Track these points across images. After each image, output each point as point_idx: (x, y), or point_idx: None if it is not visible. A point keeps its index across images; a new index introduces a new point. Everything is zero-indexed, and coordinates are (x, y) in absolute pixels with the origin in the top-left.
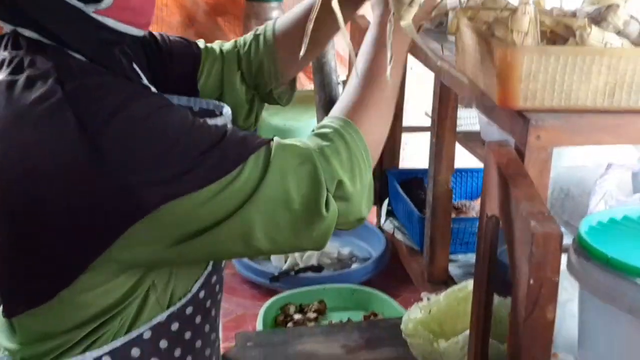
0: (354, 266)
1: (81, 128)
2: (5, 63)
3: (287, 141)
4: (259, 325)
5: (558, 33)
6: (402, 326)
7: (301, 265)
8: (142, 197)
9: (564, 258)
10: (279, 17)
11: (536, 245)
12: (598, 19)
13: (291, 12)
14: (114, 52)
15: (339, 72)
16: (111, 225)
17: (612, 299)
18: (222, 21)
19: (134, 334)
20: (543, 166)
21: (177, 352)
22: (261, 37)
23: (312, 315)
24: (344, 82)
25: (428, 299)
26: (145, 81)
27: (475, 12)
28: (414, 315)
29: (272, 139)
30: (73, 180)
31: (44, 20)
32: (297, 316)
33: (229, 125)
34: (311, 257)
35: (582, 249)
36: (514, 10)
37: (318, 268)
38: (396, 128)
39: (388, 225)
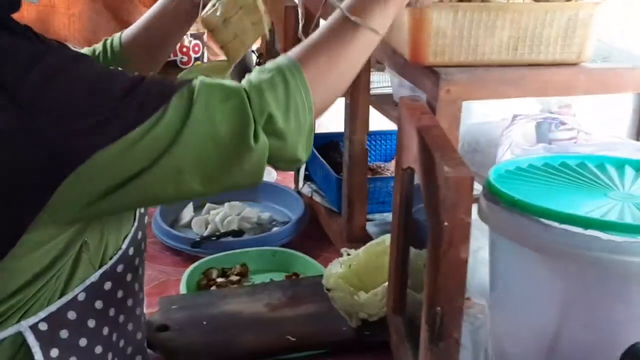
0: (274, 230)
1: None
2: None
3: (214, 79)
4: (182, 290)
5: None
6: (324, 281)
7: (222, 230)
8: (67, 151)
9: (474, 207)
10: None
11: (448, 189)
12: None
13: (139, 20)
14: (11, 15)
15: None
16: (41, 186)
17: (520, 239)
18: None
19: (69, 296)
20: (453, 119)
21: (111, 312)
22: (109, 47)
23: (234, 278)
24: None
25: (348, 254)
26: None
27: None
28: (335, 270)
29: (194, 79)
30: None
31: None
32: (219, 280)
33: None
34: (232, 223)
35: (491, 194)
36: None
37: (239, 233)
38: None
39: (306, 189)
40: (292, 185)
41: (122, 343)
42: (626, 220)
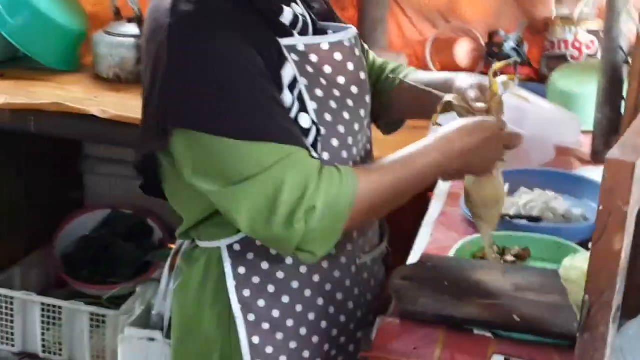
0: (571, 225)
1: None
2: None
3: (307, 159)
4: (451, 254)
5: None
6: (561, 270)
7: (522, 212)
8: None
9: None
10: (411, 71)
11: (607, 171)
12: None
13: (418, 79)
14: None
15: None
16: None
17: None
18: None
19: None
20: None
21: None
22: (388, 77)
23: (510, 258)
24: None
25: None
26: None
27: None
28: (578, 264)
29: (303, 147)
30: None
31: None
32: (494, 256)
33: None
34: (534, 209)
35: None
36: None
37: (536, 219)
38: None
39: None
40: None
41: (303, 269)
42: None
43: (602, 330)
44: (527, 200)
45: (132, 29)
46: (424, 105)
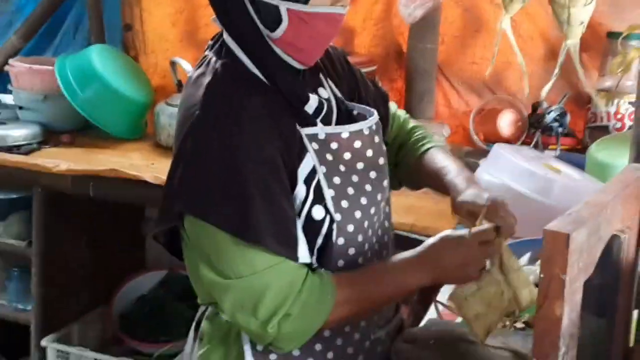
0: None
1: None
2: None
3: (295, 269)
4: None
5: None
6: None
7: None
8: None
9: None
10: (431, 148)
11: (546, 241)
12: None
13: (433, 164)
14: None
15: None
16: None
17: None
18: (585, 57)
19: None
20: None
21: None
22: (408, 149)
23: (520, 325)
24: None
25: None
26: (316, 100)
27: None
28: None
29: (294, 257)
30: None
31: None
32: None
33: (368, 130)
34: None
35: None
36: None
37: None
38: None
39: None
40: None
41: (318, 347)
42: None
43: None
44: None
45: None
46: (437, 185)
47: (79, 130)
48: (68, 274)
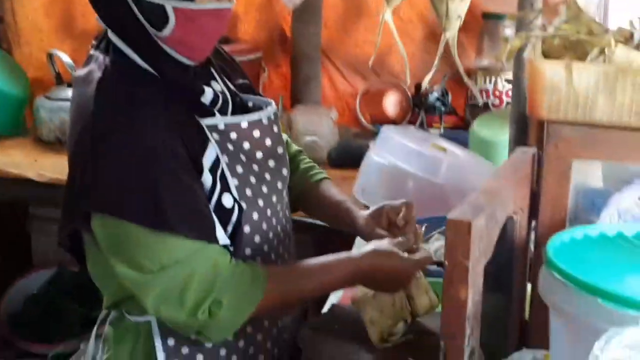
0: None
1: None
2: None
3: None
4: None
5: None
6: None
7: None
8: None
9: None
10: (323, 185)
11: (449, 230)
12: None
13: (325, 199)
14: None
15: None
16: None
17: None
18: (463, 36)
19: None
20: (561, 177)
21: None
22: (299, 176)
23: None
24: None
25: None
26: (211, 94)
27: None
28: None
29: (214, 242)
30: None
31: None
32: None
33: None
34: None
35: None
36: None
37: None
38: None
39: None
40: None
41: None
42: None
43: None
44: (438, 246)
45: None
46: (334, 215)
47: None
48: None
